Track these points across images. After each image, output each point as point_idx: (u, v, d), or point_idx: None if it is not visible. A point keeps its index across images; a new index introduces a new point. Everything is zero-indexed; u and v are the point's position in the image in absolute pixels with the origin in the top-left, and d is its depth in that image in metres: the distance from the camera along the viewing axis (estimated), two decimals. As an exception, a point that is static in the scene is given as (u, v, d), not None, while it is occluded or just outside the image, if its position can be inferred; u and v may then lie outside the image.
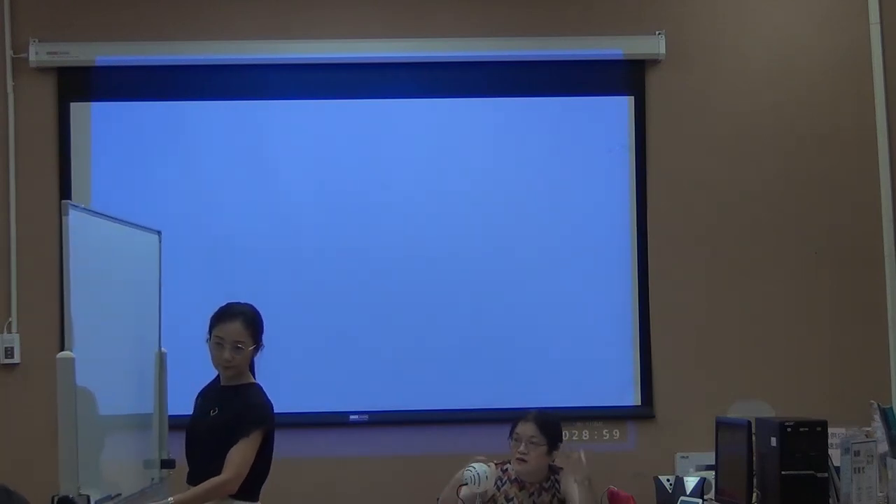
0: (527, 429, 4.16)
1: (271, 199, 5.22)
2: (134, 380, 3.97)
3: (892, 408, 3.90)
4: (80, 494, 3.34)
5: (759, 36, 5.38)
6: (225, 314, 3.80)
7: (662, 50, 5.29)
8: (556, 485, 4.21)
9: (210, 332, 3.80)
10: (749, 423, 3.95)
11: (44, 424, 4.62)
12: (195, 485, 3.73)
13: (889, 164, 5.33)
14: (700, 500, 4.17)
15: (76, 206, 3.60)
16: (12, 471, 4.57)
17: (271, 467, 3.85)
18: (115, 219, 3.90)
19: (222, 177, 5.22)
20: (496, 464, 4.21)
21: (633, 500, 4.29)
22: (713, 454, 4.25)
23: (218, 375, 3.88)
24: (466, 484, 4.08)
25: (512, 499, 4.17)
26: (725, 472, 4.12)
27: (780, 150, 5.34)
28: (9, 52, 5.15)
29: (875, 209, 5.33)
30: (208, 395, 3.86)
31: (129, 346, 3.95)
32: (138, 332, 4.06)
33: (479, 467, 4.09)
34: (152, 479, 4.04)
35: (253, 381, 3.90)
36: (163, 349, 4.21)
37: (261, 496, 3.84)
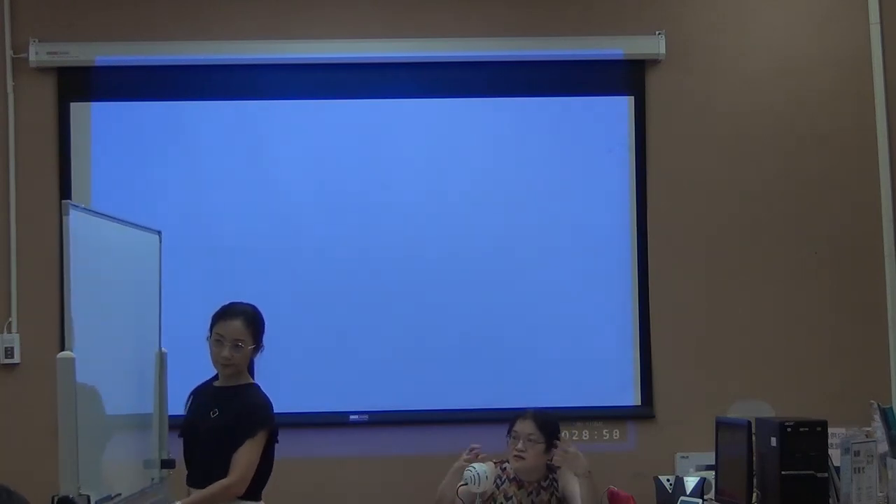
0: (525, 426, 4.17)
1: (271, 199, 5.22)
2: (134, 380, 3.97)
3: (892, 408, 3.90)
4: (80, 494, 3.34)
5: (759, 36, 5.38)
6: (226, 312, 3.82)
7: (662, 50, 5.29)
8: (555, 483, 4.21)
9: (211, 329, 3.81)
10: (749, 423, 3.95)
11: (44, 424, 4.62)
12: (196, 486, 3.74)
13: (889, 164, 5.33)
14: (700, 500, 4.17)
15: (76, 206, 3.60)
16: (12, 471, 4.56)
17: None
18: (115, 219, 3.90)
19: (222, 177, 5.22)
20: (495, 462, 4.22)
21: (633, 500, 4.30)
22: (713, 454, 4.25)
23: (213, 377, 3.88)
24: (466, 484, 4.08)
25: (511, 497, 4.18)
26: (725, 472, 4.12)
27: (780, 150, 5.34)
28: (9, 52, 5.15)
29: (875, 209, 5.33)
30: (204, 396, 3.85)
31: (129, 346, 3.96)
32: (138, 332, 4.06)
33: (479, 467, 4.10)
34: (152, 479, 4.04)
35: (252, 381, 3.90)
36: (163, 349, 4.22)
37: (262, 496, 3.86)
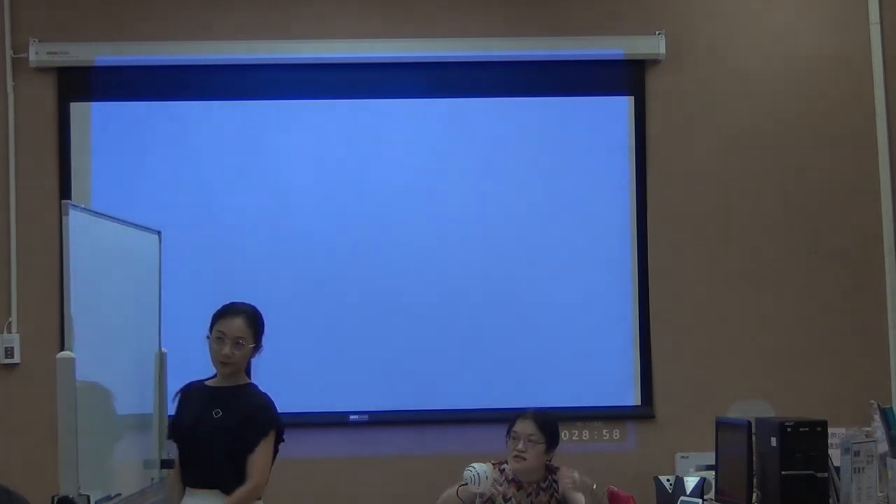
0: (526, 427, 4.16)
1: (271, 199, 5.22)
2: (134, 380, 3.97)
3: (892, 408, 3.90)
4: (80, 494, 3.34)
5: (759, 36, 5.38)
6: (228, 310, 3.84)
7: (662, 50, 5.29)
8: (554, 485, 4.21)
9: (211, 327, 3.82)
10: (749, 423, 3.95)
11: (44, 424, 4.61)
12: (196, 486, 3.75)
13: (889, 164, 5.33)
14: (700, 500, 4.17)
15: (76, 206, 3.60)
16: (12, 471, 4.57)
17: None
18: (115, 219, 3.90)
19: (222, 177, 5.22)
20: (494, 464, 4.21)
21: (633, 500, 4.29)
22: (713, 454, 4.25)
23: (204, 378, 3.89)
24: (466, 484, 4.08)
25: (510, 499, 4.17)
26: (725, 472, 4.12)
27: (779, 150, 5.34)
28: (9, 52, 5.15)
29: (875, 209, 5.33)
30: (200, 395, 3.84)
31: (129, 346, 3.95)
32: (138, 332, 4.06)
33: (479, 467, 4.09)
34: (152, 479, 4.04)
35: (249, 381, 3.91)
36: (163, 349, 4.22)
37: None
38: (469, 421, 5.17)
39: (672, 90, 5.34)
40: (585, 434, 5.20)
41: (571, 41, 5.31)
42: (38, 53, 5.11)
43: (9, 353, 5.06)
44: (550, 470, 4.22)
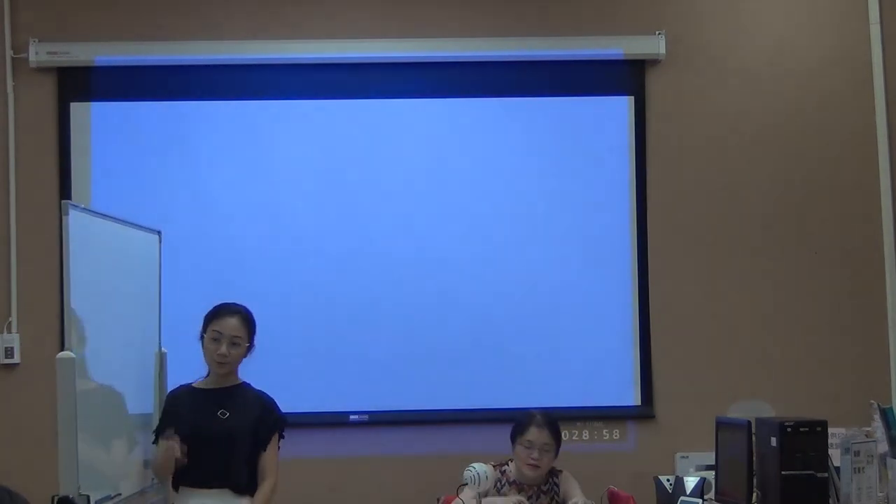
0: (542, 436, 4.13)
1: (271, 199, 5.22)
2: (134, 380, 3.97)
3: (892, 408, 3.89)
4: (80, 494, 3.34)
5: (758, 36, 5.38)
6: (223, 310, 3.88)
7: (662, 50, 5.29)
8: (556, 487, 4.21)
9: (205, 328, 3.85)
10: (749, 423, 3.94)
11: (44, 424, 4.61)
12: (203, 487, 3.81)
13: (889, 164, 5.33)
14: (700, 500, 4.17)
15: (76, 206, 3.60)
16: (12, 471, 4.57)
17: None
18: (115, 219, 3.90)
19: (222, 177, 5.21)
20: (495, 465, 4.20)
21: (633, 500, 4.29)
22: (713, 454, 4.24)
23: (190, 382, 3.89)
24: (466, 484, 4.08)
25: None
26: (725, 472, 4.12)
27: (780, 150, 5.34)
28: (9, 52, 5.15)
29: (875, 209, 5.33)
30: (196, 398, 3.87)
31: (128, 346, 3.95)
32: (138, 332, 4.06)
33: (478, 467, 4.09)
34: (152, 479, 4.04)
35: (242, 380, 3.97)
36: (163, 349, 4.22)
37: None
38: (469, 421, 5.17)
39: (672, 90, 5.34)
40: (585, 434, 5.20)
41: (571, 41, 5.31)
42: (38, 53, 5.11)
43: (9, 353, 5.06)
44: (552, 472, 4.22)
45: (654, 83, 5.34)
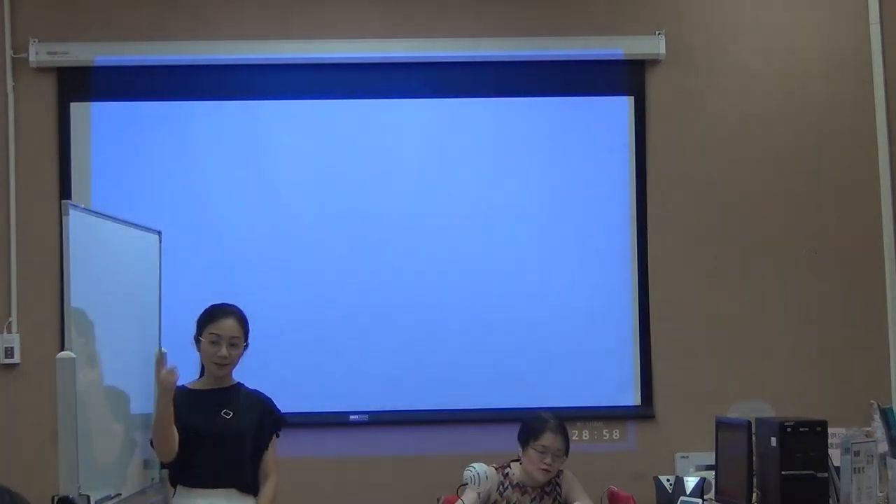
0: (557, 442, 4.11)
1: (271, 199, 5.22)
2: (134, 380, 3.96)
3: (892, 408, 3.90)
4: (80, 494, 3.34)
5: (758, 36, 5.38)
6: (218, 312, 3.90)
7: (662, 50, 5.30)
8: (558, 488, 4.20)
9: (202, 330, 3.86)
10: (749, 423, 3.94)
11: (44, 424, 4.62)
12: (205, 487, 3.82)
13: (889, 164, 5.33)
14: (700, 500, 4.17)
15: (76, 206, 3.60)
16: (12, 471, 4.57)
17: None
18: (115, 219, 3.90)
19: (222, 177, 5.21)
20: (497, 468, 4.20)
21: (633, 500, 4.29)
22: (713, 454, 4.25)
23: (185, 384, 3.90)
24: (466, 484, 4.08)
25: (515, 503, 4.16)
26: (725, 472, 4.12)
27: (780, 150, 5.34)
28: (9, 52, 5.15)
29: (875, 209, 5.33)
30: (196, 400, 3.87)
31: (129, 346, 3.95)
32: (138, 332, 4.06)
33: (478, 467, 4.09)
34: (152, 479, 4.04)
35: (236, 381, 4.00)
36: (163, 349, 4.21)
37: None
38: (469, 421, 5.17)
39: (672, 90, 5.34)
40: (585, 434, 5.20)
41: (571, 41, 5.31)
42: (38, 53, 5.11)
43: (9, 353, 5.06)
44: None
45: (654, 83, 5.34)
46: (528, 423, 4.19)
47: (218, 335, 3.84)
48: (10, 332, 5.08)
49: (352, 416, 5.16)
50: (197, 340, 3.89)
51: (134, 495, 3.88)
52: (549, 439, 4.11)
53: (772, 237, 5.32)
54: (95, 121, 5.19)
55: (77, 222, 3.52)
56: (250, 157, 5.23)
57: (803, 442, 3.72)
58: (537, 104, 5.32)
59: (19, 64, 5.15)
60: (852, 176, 5.35)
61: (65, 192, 5.11)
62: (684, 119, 5.34)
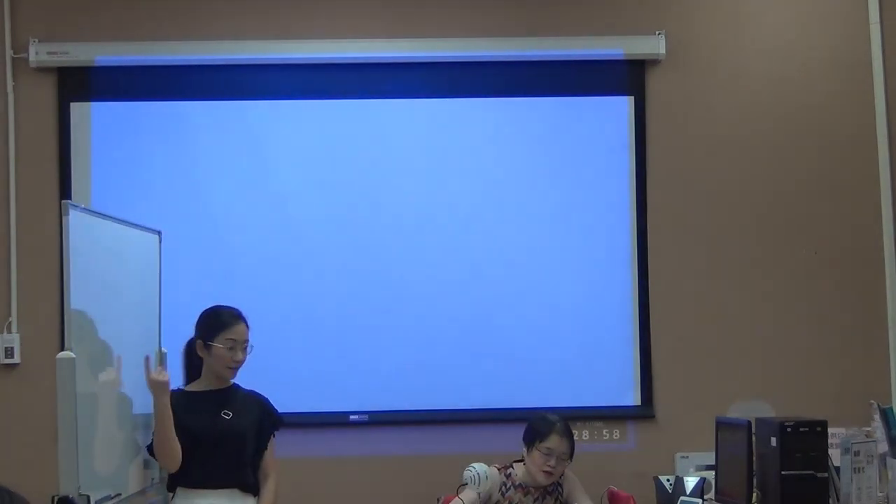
0: (563, 445, 4.11)
1: (271, 199, 5.22)
2: (134, 380, 3.96)
3: (892, 408, 3.90)
4: (80, 494, 3.34)
5: (758, 36, 5.38)
6: (231, 317, 3.91)
7: (662, 50, 5.30)
8: (559, 489, 4.21)
9: (214, 336, 3.85)
10: (749, 423, 3.94)
11: (44, 424, 4.61)
12: (211, 486, 3.82)
13: (889, 164, 5.33)
14: (700, 500, 4.17)
15: (76, 206, 3.60)
16: (12, 471, 4.57)
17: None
18: (115, 219, 3.90)
19: (222, 177, 5.22)
20: (499, 468, 4.20)
21: (633, 500, 4.29)
22: (713, 454, 4.25)
23: (181, 387, 3.91)
24: (466, 484, 4.07)
25: (517, 503, 4.16)
26: (725, 472, 4.12)
27: (780, 150, 5.34)
28: (9, 52, 5.15)
29: (875, 209, 5.33)
30: (195, 401, 3.87)
31: (129, 346, 3.95)
32: (138, 332, 4.05)
33: (478, 467, 4.09)
34: (152, 478, 4.03)
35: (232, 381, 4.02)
36: (163, 349, 4.21)
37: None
38: (469, 421, 5.17)
39: (672, 90, 5.34)
40: (585, 434, 5.19)
41: (571, 41, 5.31)
42: (38, 53, 5.11)
43: (9, 353, 5.06)
44: (557, 474, 4.23)
45: (654, 83, 5.34)
46: (535, 425, 4.18)
47: (234, 340, 3.87)
48: (10, 332, 5.08)
49: (352, 416, 5.16)
50: (207, 346, 3.87)
51: (134, 495, 3.87)
52: (554, 442, 4.11)
53: (772, 237, 5.32)
54: (95, 121, 5.20)
55: (77, 222, 3.52)
56: (250, 157, 5.23)
57: (803, 442, 3.72)
58: (537, 104, 5.32)
59: (19, 64, 5.15)
60: (852, 176, 5.35)
61: (65, 192, 5.12)
62: (684, 119, 5.34)
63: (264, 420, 3.95)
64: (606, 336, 5.26)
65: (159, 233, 4.25)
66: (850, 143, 5.35)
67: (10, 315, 5.10)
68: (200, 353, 3.90)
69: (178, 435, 3.78)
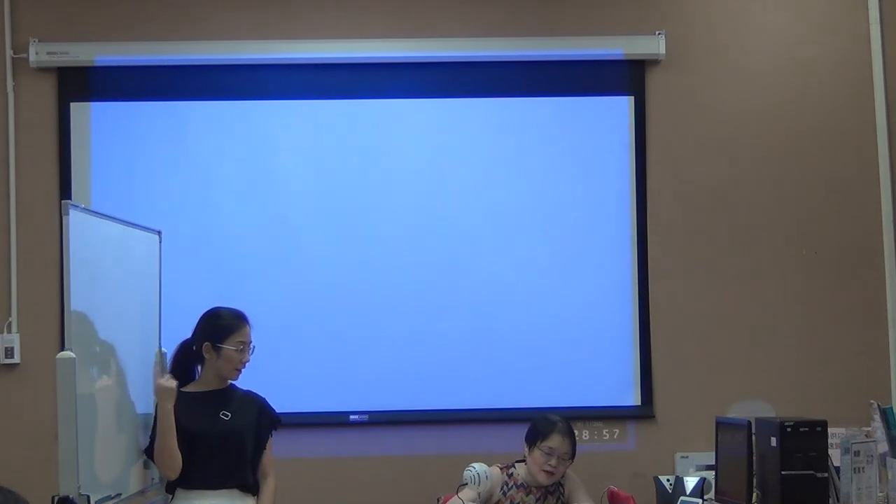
0: (564, 445, 4.13)
1: (271, 199, 5.22)
2: (134, 380, 3.96)
3: (892, 408, 3.90)
4: (80, 494, 3.34)
5: (758, 36, 5.39)
6: (239, 319, 3.93)
7: (662, 50, 5.29)
8: (561, 488, 4.21)
9: (224, 339, 3.85)
10: (749, 423, 3.94)
11: (44, 424, 4.62)
12: (212, 487, 3.83)
13: (889, 164, 5.33)
14: (700, 500, 4.17)
15: (76, 206, 3.60)
16: (12, 471, 4.57)
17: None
18: (115, 219, 3.90)
19: (222, 177, 5.22)
20: (501, 468, 4.20)
21: (633, 500, 4.29)
22: (713, 454, 4.25)
23: (181, 388, 3.90)
24: (466, 484, 4.08)
25: (518, 503, 4.16)
26: (725, 472, 4.12)
27: (780, 150, 5.34)
28: (9, 52, 5.15)
29: (875, 209, 5.33)
30: (194, 402, 3.87)
31: (129, 346, 3.95)
32: (138, 332, 4.06)
33: (478, 467, 4.09)
34: (152, 478, 4.04)
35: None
36: (163, 349, 4.21)
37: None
38: (469, 421, 5.17)
39: (672, 90, 5.34)
40: (585, 434, 5.19)
41: (571, 41, 5.30)
42: (38, 53, 5.11)
43: (9, 353, 5.06)
44: (559, 474, 4.23)
45: (654, 83, 5.34)
46: (537, 424, 4.20)
47: (243, 342, 3.90)
48: (10, 332, 5.08)
49: (351, 416, 5.16)
50: (217, 348, 3.87)
51: (134, 495, 3.88)
52: (556, 441, 4.12)
53: (772, 237, 5.32)
54: (95, 121, 5.19)
55: (77, 222, 3.52)
56: (250, 157, 5.23)
57: (803, 442, 3.72)
58: (537, 104, 5.32)
59: (19, 64, 5.15)
60: (852, 176, 5.35)
61: (65, 192, 5.11)
62: (684, 119, 5.34)
63: (263, 420, 3.96)
64: (606, 336, 5.26)
65: (159, 233, 4.25)
66: (850, 143, 5.35)
67: (10, 315, 5.10)
68: (207, 355, 3.90)
69: (176, 436, 3.78)
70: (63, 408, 3.35)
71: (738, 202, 5.32)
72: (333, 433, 5.18)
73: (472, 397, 5.19)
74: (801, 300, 5.30)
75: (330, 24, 5.28)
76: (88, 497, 3.37)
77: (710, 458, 4.37)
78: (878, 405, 3.96)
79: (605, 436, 5.24)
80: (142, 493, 3.97)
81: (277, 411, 4.04)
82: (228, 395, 3.94)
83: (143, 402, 4.00)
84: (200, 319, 3.95)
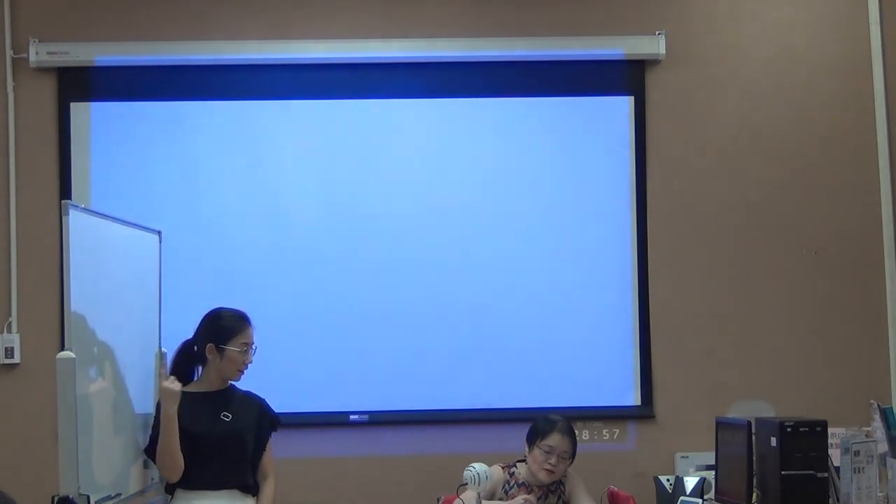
0: (564, 444, 4.14)
1: (271, 199, 5.22)
2: (134, 380, 3.97)
3: (892, 408, 3.90)
4: (80, 494, 3.34)
5: (759, 36, 5.38)
6: (242, 321, 3.93)
7: (662, 50, 5.30)
8: (562, 487, 4.21)
9: (229, 340, 3.86)
10: (749, 423, 3.95)
11: (44, 424, 4.62)
12: (213, 487, 3.83)
13: (889, 164, 5.33)
14: (700, 500, 4.17)
15: (76, 206, 3.60)
16: (12, 471, 4.58)
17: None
18: (115, 219, 3.90)
19: (222, 177, 5.22)
20: (502, 467, 4.20)
21: (633, 500, 4.30)
22: (713, 454, 4.25)
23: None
24: (466, 484, 4.07)
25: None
26: (725, 472, 4.12)
27: (779, 150, 5.34)
28: (9, 52, 5.15)
29: (875, 209, 5.33)
30: (194, 403, 3.87)
31: (129, 346, 3.95)
32: (138, 332, 4.06)
33: (478, 467, 4.08)
34: (152, 478, 4.04)
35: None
36: (163, 349, 4.22)
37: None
38: (469, 421, 5.17)
39: (672, 90, 5.34)
40: (585, 434, 5.19)
41: (571, 41, 5.30)
42: (38, 53, 5.11)
43: (9, 353, 5.06)
44: (559, 473, 4.23)
45: (654, 83, 5.34)
46: (538, 423, 4.23)
47: (247, 343, 3.91)
48: (10, 332, 5.08)
49: (352, 416, 5.16)
50: (220, 349, 3.87)
51: (134, 495, 3.88)
52: (555, 440, 4.13)
53: (772, 237, 5.32)
54: (95, 121, 5.19)
55: (77, 222, 3.52)
56: (250, 157, 5.23)
57: (803, 442, 3.72)
58: (538, 104, 5.32)
59: (19, 64, 5.15)
60: (852, 176, 5.35)
61: (65, 192, 5.11)
62: (684, 119, 5.34)
63: (263, 421, 3.96)
64: (606, 336, 5.26)
65: (159, 233, 4.26)
66: (849, 143, 5.35)
67: (10, 315, 5.10)
68: (210, 356, 3.90)
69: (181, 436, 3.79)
70: (63, 408, 3.36)
71: (739, 202, 5.32)
72: (333, 433, 5.18)
73: (473, 397, 5.19)
74: (800, 300, 5.30)
75: (330, 25, 5.28)
76: (88, 497, 3.37)
77: (710, 458, 4.37)
78: (878, 405, 3.96)
79: (605, 436, 5.24)
80: (141, 493, 3.97)
81: (277, 411, 4.05)
82: (229, 396, 3.94)
83: (143, 402, 4.00)
84: (203, 320, 3.95)
